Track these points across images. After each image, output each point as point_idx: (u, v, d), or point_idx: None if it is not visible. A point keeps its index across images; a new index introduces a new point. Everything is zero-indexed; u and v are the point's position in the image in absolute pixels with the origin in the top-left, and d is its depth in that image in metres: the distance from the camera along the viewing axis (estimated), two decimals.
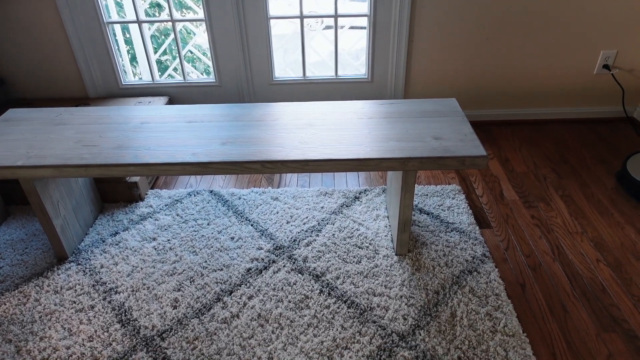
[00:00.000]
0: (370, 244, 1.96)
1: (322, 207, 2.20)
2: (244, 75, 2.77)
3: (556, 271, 1.83)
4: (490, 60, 2.71)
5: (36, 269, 1.92)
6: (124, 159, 1.62)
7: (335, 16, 2.64)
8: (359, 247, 1.95)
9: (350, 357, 1.51)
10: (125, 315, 1.69)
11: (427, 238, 1.98)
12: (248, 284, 1.79)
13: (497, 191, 2.30)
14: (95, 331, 1.64)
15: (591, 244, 1.95)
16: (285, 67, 4.10)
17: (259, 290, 1.77)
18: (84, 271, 1.89)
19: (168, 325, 1.65)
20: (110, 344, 1.59)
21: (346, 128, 1.76)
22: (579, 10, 2.53)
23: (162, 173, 1.63)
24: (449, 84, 2.80)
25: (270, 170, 1.60)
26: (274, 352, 1.53)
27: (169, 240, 2.04)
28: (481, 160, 1.57)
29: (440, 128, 1.74)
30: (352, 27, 4.94)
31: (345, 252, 1.93)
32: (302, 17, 2.65)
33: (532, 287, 1.77)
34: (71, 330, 1.65)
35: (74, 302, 1.75)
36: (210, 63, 3.67)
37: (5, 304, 1.75)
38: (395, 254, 1.90)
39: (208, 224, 2.12)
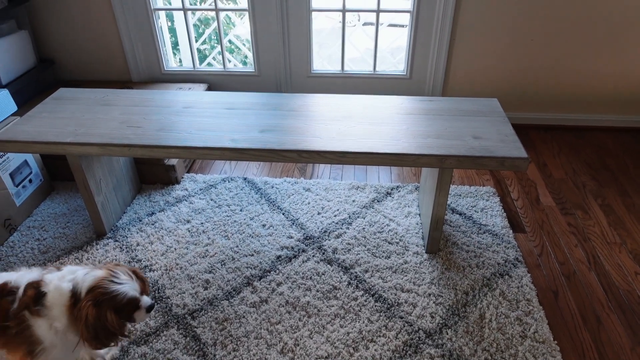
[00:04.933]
0: (400, 240, 1.96)
1: (354, 201, 2.20)
2: (283, 66, 2.79)
3: (591, 281, 1.78)
4: (533, 62, 2.65)
5: (76, 242, 2.00)
6: (166, 141, 1.66)
7: (378, 11, 2.63)
8: (389, 243, 1.95)
9: (375, 350, 1.51)
10: (159, 293, 1.74)
11: (458, 238, 1.97)
12: (277, 271, 1.82)
13: (533, 196, 2.26)
14: None
15: (630, 256, 1.89)
16: (321, 61, 4.11)
17: (287, 277, 1.79)
18: (120, 248, 1.96)
19: (199, 305, 1.69)
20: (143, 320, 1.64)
21: (384, 122, 1.76)
22: (629, 13, 2.44)
23: (202, 157, 1.67)
24: (489, 83, 2.75)
25: (306, 159, 1.62)
26: (300, 339, 1.55)
27: (202, 223, 2.08)
28: (522, 162, 1.55)
29: (481, 127, 1.71)
30: (390, 25, 4.91)
31: (375, 246, 1.93)
32: (344, 10, 2.65)
33: (565, 295, 1.73)
34: None
35: None
36: (249, 53, 3.71)
37: None
38: (426, 252, 1.89)
39: (241, 210, 2.16)
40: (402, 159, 1.58)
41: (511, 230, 2.01)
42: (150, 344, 1.55)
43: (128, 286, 1.20)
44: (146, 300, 1.26)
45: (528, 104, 2.81)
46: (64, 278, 1.20)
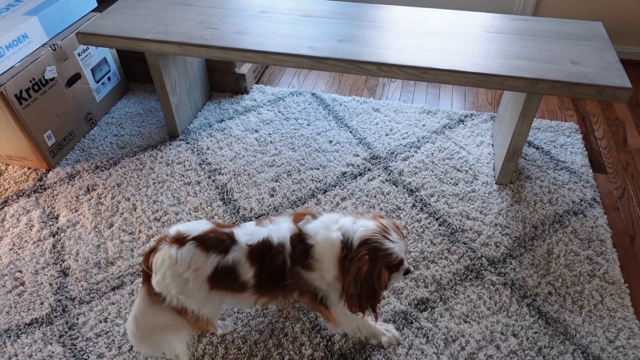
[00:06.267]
0: (470, 168, 1.90)
1: (424, 125, 2.13)
2: None
3: None
4: None
5: (151, 141, 2.08)
6: (243, 44, 1.63)
7: None
8: (458, 170, 1.89)
9: (436, 271, 1.52)
10: (227, 195, 1.81)
11: (532, 172, 1.87)
12: (342, 187, 1.83)
13: (620, 136, 2.09)
14: (200, 204, 1.78)
15: None
16: None
17: (352, 194, 1.80)
18: (192, 150, 2.02)
19: (265, 210, 1.75)
20: (213, 217, 1.73)
21: (471, 40, 1.64)
22: None
23: (278, 63, 1.63)
24: (587, 8, 2.46)
25: (385, 73, 1.55)
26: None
27: (270, 134, 2.10)
28: (623, 92, 1.40)
29: (580, 52, 1.56)
30: None
31: (442, 172, 1.88)
32: None
33: None
34: (179, 199, 1.80)
35: (183, 176, 1.90)
36: None
37: (124, 168, 1.94)
38: (496, 183, 1.82)
39: (308, 125, 2.15)
40: (489, 80, 1.48)
41: (591, 170, 1.89)
42: None
43: (399, 247, 1.07)
44: (407, 263, 1.14)
45: (630, 35, 2.51)
46: (330, 227, 1.09)
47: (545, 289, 1.47)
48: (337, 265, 1.07)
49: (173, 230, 1.14)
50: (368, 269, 1.03)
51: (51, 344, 1.37)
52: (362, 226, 1.07)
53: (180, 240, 1.11)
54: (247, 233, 1.14)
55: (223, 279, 1.12)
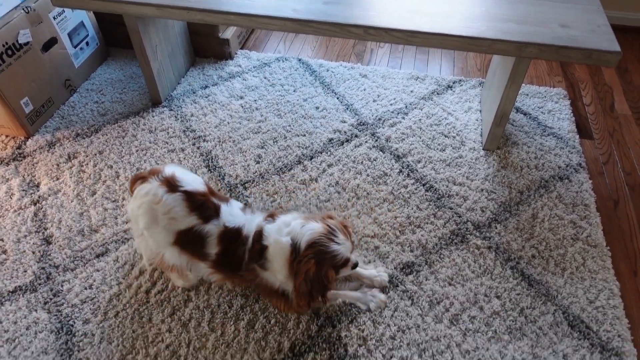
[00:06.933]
0: (457, 134, 1.89)
1: (412, 91, 2.10)
2: None
3: None
4: None
5: (133, 108, 2.03)
6: (225, 7, 1.58)
7: None
8: (445, 136, 1.88)
9: (422, 235, 1.53)
10: (212, 162, 1.79)
11: (519, 138, 1.87)
12: (329, 153, 1.81)
13: (607, 102, 2.08)
14: None
15: None
16: None
17: (339, 160, 1.79)
18: (175, 117, 1.98)
19: (250, 177, 1.73)
20: None
21: (459, 2, 1.60)
22: None
23: (261, 26, 1.58)
24: None
25: (372, 37, 1.51)
26: (348, 218, 1.59)
27: (255, 100, 2.06)
28: (612, 56, 1.39)
29: (569, 15, 1.53)
30: None
31: (430, 138, 1.87)
32: None
33: (626, 205, 1.66)
34: None
35: (167, 143, 1.86)
36: None
37: (106, 135, 1.90)
38: (483, 148, 1.82)
39: (294, 91, 2.11)
40: (477, 43, 1.45)
41: (578, 136, 1.89)
42: None
43: (344, 247, 1.14)
44: (353, 259, 1.22)
45: (621, 0, 2.48)
46: (282, 231, 1.15)
47: (529, 252, 1.49)
48: (288, 267, 1.14)
49: (169, 171, 1.21)
50: (315, 271, 1.11)
51: (36, 310, 1.36)
52: (309, 229, 1.13)
53: (171, 185, 1.18)
54: (231, 214, 1.22)
55: (190, 241, 1.19)
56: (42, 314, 1.35)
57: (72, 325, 1.32)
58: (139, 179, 1.22)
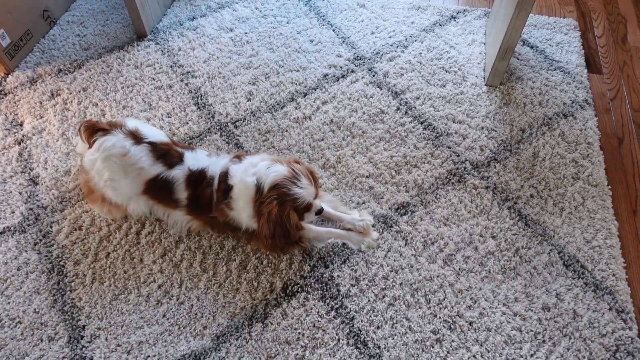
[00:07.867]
0: (459, 69, 1.79)
1: (413, 23, 1.97)
2: None
3: None
4: None
5: (117, 42, 1.92)
6: None
7: None
8: (446, 71, 1.78)
9: (418, 175, 1.49)
10: (201, 99, 1.71)
11: (524, 73, 1.78)
12: (323, 89, 1.73)
13: (620, 34, 1.96)
14: (173, 109, 1.68)
15: None
16: None
17: (334, 97, 1.71)
18: (162, 51, 1.87)
19: (241, 115, 1.66)
20: (187, 123, 1.64)
21: None
22: None
23: None
24: None
25: None
26: (343, 158, 1.53)
27: (246, 33, 1.94)
28: None
29: None
30: None
31: (430, 73, 1.77)
32: None
33: (631, 143, 1.60)
34: (151, 104, 1.70)
35: (153, 79, 1.77)
36: None
37: (90, 71, 1.81)
38: (485, 84, 1.73)
39: (287, 23, 1.98)
40: None
41: (586, 70, 1.79)
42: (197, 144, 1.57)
43: (307, 192, 1.16)
44: (317, 204, 1.22)
45: None
46: (247, 171, 1.18)
47: (527, 192, 1.45)
48: (252, 206, 1.17)
49: (132, 124, 1.25)
50: (277, 212, 1.13)
51: (26, 251, 1.35)
52: (274, 172, 1.15)
53: (136, 137, 1.23)
54: (194, 159, 1.26)
55: (159, 189, 1.24)
56: (33, 254, 1.34)
57: (63, 267, 1.32)
58: (99, 130, 1.24)
